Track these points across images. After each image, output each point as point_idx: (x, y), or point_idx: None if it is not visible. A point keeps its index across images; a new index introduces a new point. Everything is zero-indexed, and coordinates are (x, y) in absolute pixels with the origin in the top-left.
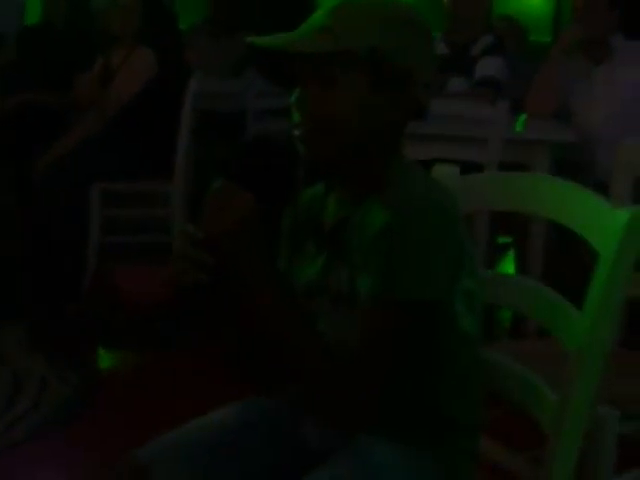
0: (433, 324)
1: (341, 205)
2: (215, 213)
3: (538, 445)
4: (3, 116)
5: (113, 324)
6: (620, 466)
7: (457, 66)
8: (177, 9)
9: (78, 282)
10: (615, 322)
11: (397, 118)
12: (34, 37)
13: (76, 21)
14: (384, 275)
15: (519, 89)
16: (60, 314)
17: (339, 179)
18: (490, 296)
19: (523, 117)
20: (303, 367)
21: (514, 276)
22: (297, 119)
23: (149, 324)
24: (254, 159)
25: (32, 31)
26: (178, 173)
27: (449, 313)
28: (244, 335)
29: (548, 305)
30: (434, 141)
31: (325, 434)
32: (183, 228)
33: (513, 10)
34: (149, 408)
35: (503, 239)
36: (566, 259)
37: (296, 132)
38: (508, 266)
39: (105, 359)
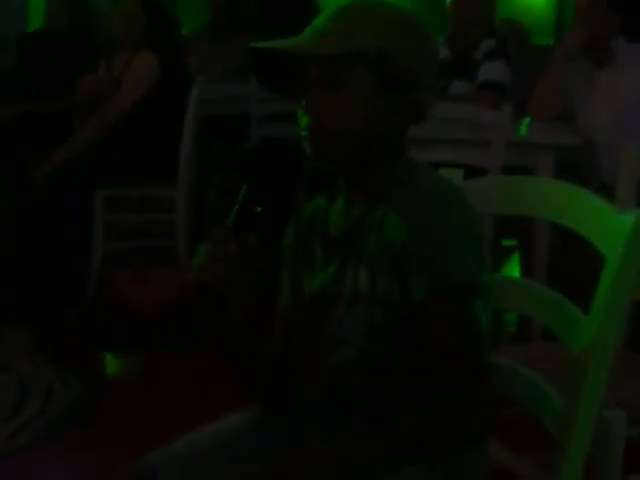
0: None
1: (351, 207)
2: (209, 264)
3: (546, 448)
4: (3, 120)
5: (117, 329)
6: (627, 469)
7: (459, 70)
8: (178, 14)
9: (82, 287)
10: (621, 325)
11: (399, 120)
12: (35, 42)
13: (78, 26)
14: (428, 273)
15: (522, 92)
16: (64, 319)
17: (346, 180)
18: (496, 299)
19: (526, 120)
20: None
21: (520, 279)
22: (305, 121)
23: (153, 329)
24: (261, 161)
25: (33, 36)
26: (181, 178)
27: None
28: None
29: (554, 309)
30: (438, 145)
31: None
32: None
33: (516, 13)
34: (153, 412)
35: (508, 242)
36: (571, 262)
37: (303, 134)
38: (513, 269)
39: (109, 364)
